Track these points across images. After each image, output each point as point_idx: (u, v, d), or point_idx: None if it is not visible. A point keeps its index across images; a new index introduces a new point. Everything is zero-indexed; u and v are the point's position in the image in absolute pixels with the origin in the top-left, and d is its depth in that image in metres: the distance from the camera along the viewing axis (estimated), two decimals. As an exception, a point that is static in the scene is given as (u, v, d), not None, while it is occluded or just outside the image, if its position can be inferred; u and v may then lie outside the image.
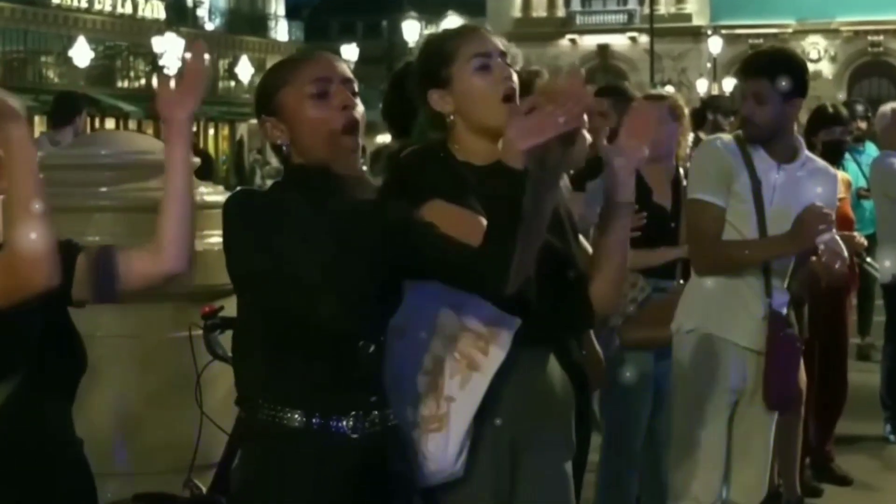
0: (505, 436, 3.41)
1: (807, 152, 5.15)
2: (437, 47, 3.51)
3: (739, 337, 5.00)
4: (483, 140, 3.42)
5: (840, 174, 7.72)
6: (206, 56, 2.98)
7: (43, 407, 2.87)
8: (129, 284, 3.00)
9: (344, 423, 3.01)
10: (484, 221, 3.16)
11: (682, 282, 5.51)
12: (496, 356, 3.32)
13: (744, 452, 5.09)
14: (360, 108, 3.09)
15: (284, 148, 3.11)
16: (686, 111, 5.98)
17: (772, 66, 5.04)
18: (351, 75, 3.11)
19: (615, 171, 3.47)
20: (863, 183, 9.43)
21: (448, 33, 3.57)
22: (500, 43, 3.49)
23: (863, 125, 10.14)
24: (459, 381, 3.31)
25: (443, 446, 3.29)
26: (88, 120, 10.53)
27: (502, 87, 3.41)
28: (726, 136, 5.25)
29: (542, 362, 3.50)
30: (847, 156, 9.65)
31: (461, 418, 3.30)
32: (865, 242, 7.45)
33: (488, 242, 3.02)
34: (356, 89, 3.11)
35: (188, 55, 2.96)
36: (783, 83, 4.92)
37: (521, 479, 3.46)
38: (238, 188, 3.12)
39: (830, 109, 7.89)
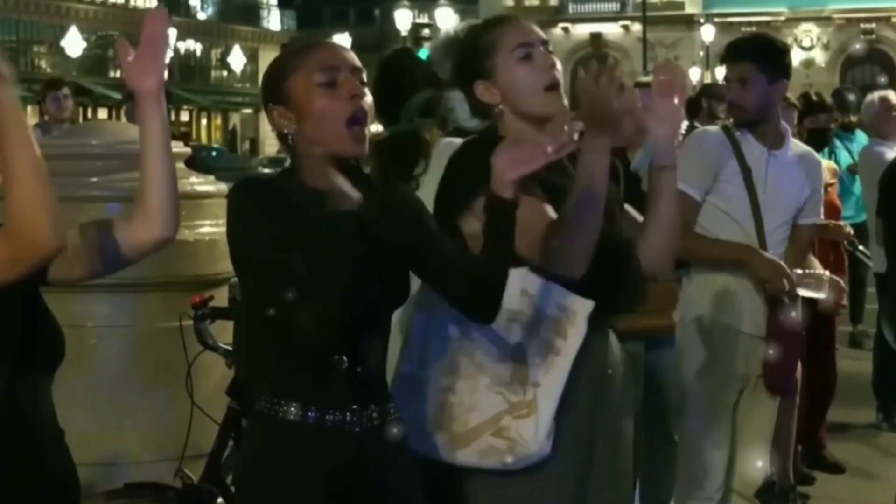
0: (585, 417, 3.49)
1: (791, 138, 5.20)
2: (479, 39, 3.56)
3: (743, 323, 5.02)
4: (531, 128, 3.48)
5: (826, 162, 7.76)
6: (167, 22, 2.89)
7: (26, 396, 2.85)
8: (127, 254, 2.99)
9: (340, 417, 3.00)
10: (548, 208, 3.29)
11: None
12: (575, 339, 3.38)
13: (745, 440, 5.11)
14: (368, 99, 3.07)
15: (291, 138, 3.07)
16: None
17: (755, 49, 5.12)
18: (360, 65, 3.09)
19: (655, 138, 3.51)
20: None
21: (488, 24, 3.60)
22: (540, 31, 3.55)
23: (854, 119, 10.18)
24: (544, 367, 3.37)
25: (534, 431, 3.35)
26: (81, 110, 10.51)
27: (546, 76, 3.47)
28: (713, 128, 5.29)
29: (606, 341, 3.58)
30: (838, 144, 9.70)
31: (548, 402, 3.36)
32: (852, 231, 7.48)
33: (488, 265, 3.07)
34: (365, 79, 3.09)
35: (147, 22, 2.86)
36: (767, 65, 5.00)
37: (595, 455, 3.54)
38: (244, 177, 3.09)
39: (815, 97, 7.93)
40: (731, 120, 5.16)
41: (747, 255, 4.97)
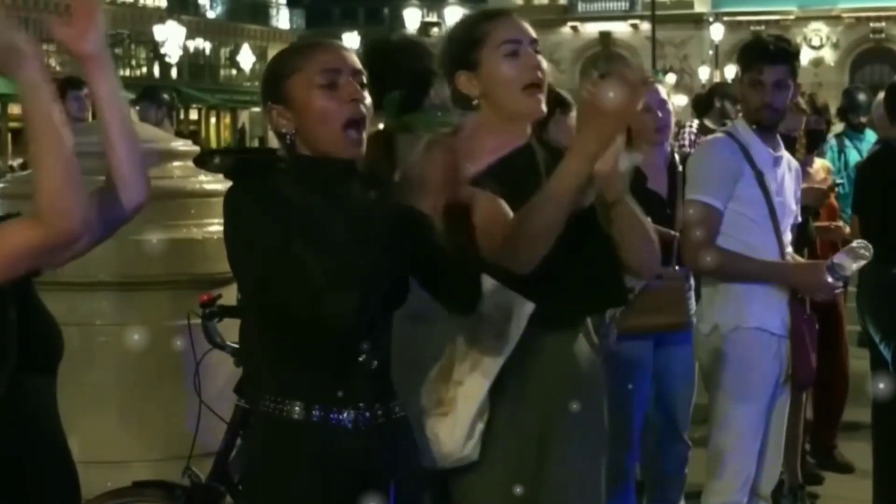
0: (533, 423, 3.43)
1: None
2: (469, 30, 3.53)
3: (776, 325, 5.01)
4: (507, 125, 3.46)
5: (821, 162, 7.75)
6: None
7: (28, 396, 2.83)
8: (119, 219, 2.95)
9: (344, 415, 3.00)
10: (503, 205, 3.27)
11: (677, 268, 5.49)
12: (509, 339, 3.33)
13: (768, 440, 5.10)
14: (367, 101, 3.07)
15: (289, 137, 3.07)
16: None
17: (791, 53, 5.11)
18: (360, 66, 3.08)
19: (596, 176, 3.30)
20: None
21: (480, 16, 3.57)
22: (531, 30, 3.51)
23: (864, 119, 10.19)
24: (469, 365, 3.33)
25: (450, 430, 3.32)
26: (90, 108, 10.51)
27: (528, 75, 3.43)
28: (719, 136, 5.23)
29: (569, 345, 3.51)
30: (848, 143, 9.69)
31: (468, 402, 3.32)
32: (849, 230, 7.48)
33: (467, 261, 3.15)
34: (365, 81, 3.08)
35: None
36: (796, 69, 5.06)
37: (549, 469, 3.46)
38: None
39: (806, 98, 7.93)
40: (733, 126, 5.17)
41: (784, 275, 5.00)
